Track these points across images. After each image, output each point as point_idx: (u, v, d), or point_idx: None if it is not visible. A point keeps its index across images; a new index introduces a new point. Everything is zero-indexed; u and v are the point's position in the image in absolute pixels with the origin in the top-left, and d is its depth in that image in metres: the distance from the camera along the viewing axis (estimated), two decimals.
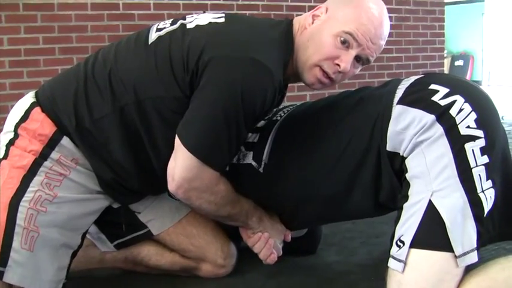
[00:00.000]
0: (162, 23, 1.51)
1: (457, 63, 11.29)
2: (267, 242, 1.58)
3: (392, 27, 1.47)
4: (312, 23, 1.45)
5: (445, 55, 7.39)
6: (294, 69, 1.47)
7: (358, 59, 1.44)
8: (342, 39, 1.39)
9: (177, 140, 1.37)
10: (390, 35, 1.50)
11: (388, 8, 1.48)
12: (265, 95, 1.36)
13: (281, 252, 1.63)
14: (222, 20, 1.45)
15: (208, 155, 1.36)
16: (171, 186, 1.39)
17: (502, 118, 5.24)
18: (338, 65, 1.40)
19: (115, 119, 1.41)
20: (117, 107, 1.41)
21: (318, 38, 1.42)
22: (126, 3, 3.94)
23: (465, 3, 11.12)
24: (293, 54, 1.45)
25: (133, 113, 1.41)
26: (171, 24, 1.48)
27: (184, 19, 1.48)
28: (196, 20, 1.46)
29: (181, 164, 1.36)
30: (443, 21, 5.43)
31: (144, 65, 1.42)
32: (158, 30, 1.47)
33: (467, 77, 10.77)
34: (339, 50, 1.40)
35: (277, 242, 1.61)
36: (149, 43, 1.44)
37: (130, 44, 1.49)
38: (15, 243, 1.34)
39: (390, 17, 1.49)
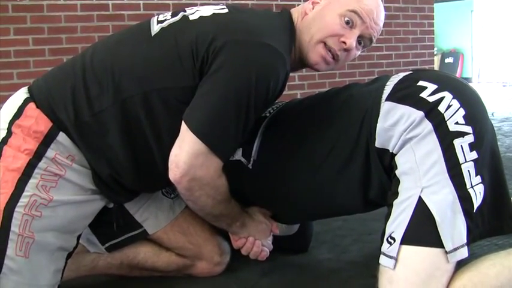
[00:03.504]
0: (162, 15, 1.50)
1: (447, 60, 11.34)
2: (253, 244, 1.58)
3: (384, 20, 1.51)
4: (313, 8, 1.50)
5: (435, 52, 7.41)
6: (297, 55, 1.50)
7: (360, 40, 1.49)
8: (346, 18, 1.44)
9: (183, 125, 1.35)
10: (380, 33, 1.53)
11: None
12: (277, 80, 1.37)
13: (271, 247, 1.64)
14: (226, 10, 1.47)
15: (216, 142, 1.34)
16: (175, 174, 1.35)
17: (492, 115, 5.32)
18: (344, 42, 1.44)
19: (116, 112, 1.39)
20: (118, 99, 1.39)
21: (322, 17, 1.46)
22: (116, 4, 3.93)
23: (454, 1, 11.17)
24: (295, 41, 1.49)
25: (137, 105, 1.39)
26: (172, 16, 1.48)
27: (185, 11, 1.48)
28: (198, 11, 1.46)
29: (187, 150, 1.33)
30: (433, 19, 5.46)
31: (149, 57, 1.41)
32: (160, 22, 1.46)
33: (457, 74, 10.81)
34: (344, 28, 1.45)
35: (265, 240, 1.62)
36: (152, 35, 1.43)
37: (131, 36, 1.49)
38: (10, 251, 1.31)
39: None
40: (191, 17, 1.44)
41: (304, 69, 1.60)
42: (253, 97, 1.34)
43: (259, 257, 1.61)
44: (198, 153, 1.33)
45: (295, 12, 1.53)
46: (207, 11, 1.45)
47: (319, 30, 1.45)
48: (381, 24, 1.51)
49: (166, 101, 1.39)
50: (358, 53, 1.53)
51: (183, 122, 1.35)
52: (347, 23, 1.44)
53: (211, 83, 1.34)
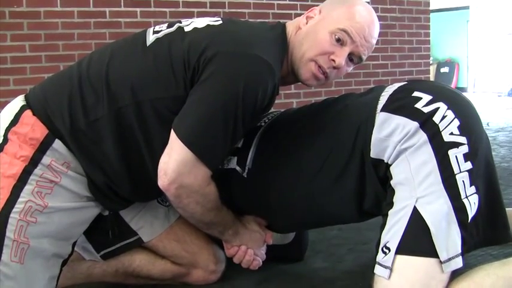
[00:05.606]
0: (158, 26, 1.51)
1: (442, 70, 11.38)
2: (246, 252, 1.58)
3: (378, 34, 1.52)
4: (306, 23, 1.51)
5: (431, 62, 7.45)
6: (289, 68, 1.51)
7: (351, 57, 1.49)
8: (336, 36, 1.45)
9: (172, 133, 1.36)
10: (376, 42, 1.54)
11: None
12: (265, 91, 1.38)
13: (264, 256, 1.64)
14: (220, 22, 1.49)
15: (204, 150, 1.35)
16: (163, 181, 1.36)
17: (488, 124, 5.33)
18: (333, 60, 1.45)
19: (111, 121, 1.40)
20: (113, 108, 1.40)
21: (314, 34, 1.47)
22: (113, 11, 3.93)
23: (450, 11, 11.23)
24: (288, 54, 1.50)
25: (131, 115, 1.40)
26: (168, 27, 1.49)
27: (181, 22, 1.50)
28: (193, 23, 1.48)
29: (176, 157, 1.34)
30: (429, 29, 5.49)
31: (143, 67, 1.42)
32: (155, 32, 1.48)
33: (453, 84, 10.86)
34: (334, 46, 1.45)
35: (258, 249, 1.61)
36: (147, 45, 1.45)
37: (127, 46, 1.50)
38: (5, 257, 1.32)
39: None
40: (186, 29, 1.46)
41: None
42: (241, 107, 1.35)
43: (251, 266, 1.61)
44: (185, 161, 1.34)
45: (290, 26, 1.54)
46: (201, 22, 1.47)
47: (310, 47, 1.46)
48: (373, 41, 1.51)
49: (158, 111, 1.40)
50: (350, 69, 1.54)
51: (172, 130, 1.36)
52: (337, 40, 1.45)
53: (200, 92, 1.36)
